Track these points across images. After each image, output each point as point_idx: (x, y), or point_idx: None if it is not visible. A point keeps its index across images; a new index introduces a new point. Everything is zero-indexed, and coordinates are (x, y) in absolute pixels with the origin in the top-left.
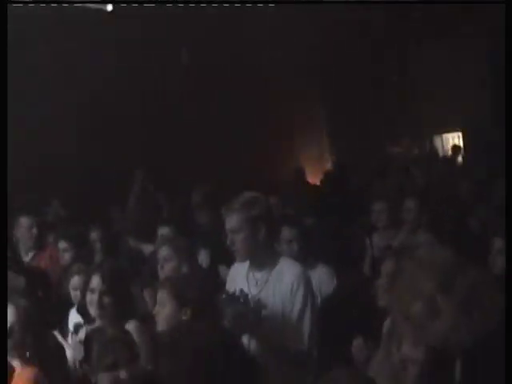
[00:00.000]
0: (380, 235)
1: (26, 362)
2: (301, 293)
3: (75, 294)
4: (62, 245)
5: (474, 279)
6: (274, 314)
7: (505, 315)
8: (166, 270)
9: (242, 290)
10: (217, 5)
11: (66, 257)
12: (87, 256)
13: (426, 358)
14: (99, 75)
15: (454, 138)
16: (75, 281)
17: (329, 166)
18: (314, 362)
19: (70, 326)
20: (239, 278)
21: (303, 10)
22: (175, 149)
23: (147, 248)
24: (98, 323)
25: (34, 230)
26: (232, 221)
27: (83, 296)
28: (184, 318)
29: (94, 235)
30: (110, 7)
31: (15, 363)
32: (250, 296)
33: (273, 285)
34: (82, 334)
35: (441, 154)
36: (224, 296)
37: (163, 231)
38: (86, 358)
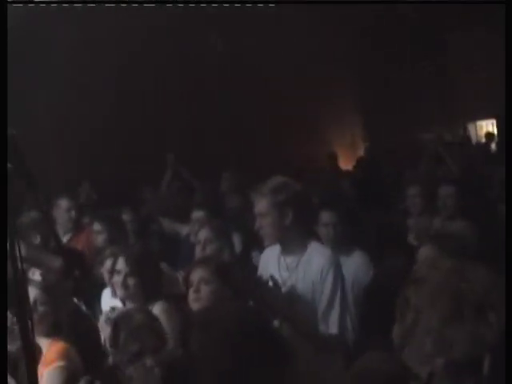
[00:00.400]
0: (415, 221)
1: (56, 339)
2: (331, 277)
3: (107, 276)
4: (97, 227)
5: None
6: (305, 299)
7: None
8: (207, 251)
9: (273, 275)
10: (217, 5)
11: (100, 239)
12: (120, 238)
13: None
14: (129, 60)
15: (488, 125)
16: (107, 262)
17: (361, 152)
18: (345, 347)
19: (103, 307)
20: (271, 262)
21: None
22: (206, 133)
23: (182, 229)
24: (127, 305)
25: (73, 213)
26: (260, 205)
27: (111, 277)
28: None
29: (127, 217)
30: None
31: (45, 341)
32: (281, 281)
33: (303, 269)
34: (112, 316)
35: (474, 140)
36: (256, 280)
37: (197, 214)
38: (114, 343)
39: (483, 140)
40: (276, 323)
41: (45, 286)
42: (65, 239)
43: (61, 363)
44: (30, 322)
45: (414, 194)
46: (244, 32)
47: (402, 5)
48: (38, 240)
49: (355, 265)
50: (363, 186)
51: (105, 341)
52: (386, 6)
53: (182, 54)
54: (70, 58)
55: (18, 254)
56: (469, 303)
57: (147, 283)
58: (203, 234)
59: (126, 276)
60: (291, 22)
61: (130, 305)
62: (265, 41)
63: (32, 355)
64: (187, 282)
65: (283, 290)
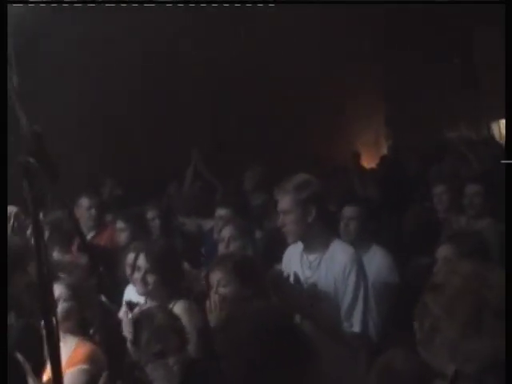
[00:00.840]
0: (441, 219)
1: (84, 338)
2: (353, 275)
3: (129, 271)
4: (120, 225)
5: None
6: (327, 297)
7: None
8: (231, 248)
9: (295, 273)
10: (217, 5)
11: (123, 237)
12: (144, 235)
13: None
14: (143, 59)
15: None
16: (129, 259)
17: (384, 150)
18: (368, 345)
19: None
20: (293, 260)
21: None
22: (230, 130)
23: (206, 225)
24: (148, 303)
25: (93, 211)
26: (283, 202)
27: (132, 273)
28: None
29: (150, 214)
30: None
31: (72, 340)
32: (303, 278)
33: (326, 267)
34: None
35: (498, 139)
36: (279, 277)
37: (221, 212)
38: (135, 342)
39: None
40: (298, 320)
41: (70, 283)
42: (88, 237)
43: (85, 366)
44: (54, 319)
45: (441, 192)
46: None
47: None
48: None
49: (377, 263)
50: (387, 184)
51: (126, 337)
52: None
53: (202, 52)
54: (73, 57)
55: (42, 252)
56: (489, 309)
57: (168, 281)
58: (227, 231)
59: (145, 272)
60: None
61: (150, 302)
62: (283, 39)
63: (56, 354)
64: (207, 283)
65: (306, 287)
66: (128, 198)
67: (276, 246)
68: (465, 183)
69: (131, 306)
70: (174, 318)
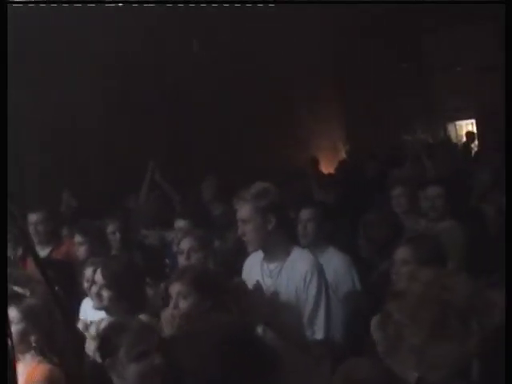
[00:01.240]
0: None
1: (43, 358)
2: (315, 283)
3: (86, 286)
4: (78, 238)
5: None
6: (289, 305)
7: (505, 315)
8: (192, 260)
9: (257, 282)
10: (217, 5)
11: (82, 250)
12: (103, 249)
13: None
14: (112, 68)
15: (468, 125)
16: (87, 273)
17: (343, 154)
18: (331, 352)
19: (83, 317)
20: (254, 269)
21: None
22: (188, 141)
23: (168, 237)
24: (107, 319)
25: (45, 226)
26: (242, 211)
27: (89, 288)
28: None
29: (111, 227)
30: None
31: (32, 360)
32: (264, 287)
33: (286, 275)
34: (97, 327)
35: (455, 141)
36: (241, 288)
37: (180, 224)
38: (109, 351)
39: (464, 140)
40: (260, 330)
41: (24, 304)
42: (45, 252)
43: None
44: (9, 341)
45: (399, 195)
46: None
47: (379, 5)
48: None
49: (334, 265)
50: (345, 188)
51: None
52: (362, 7)
53: (164, 58)
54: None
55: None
56: (452, 313)
57: (125, 296)
58: (186, 243)
59: (101, 287)
60: (276, 23)
61: (109, 317)
62: (242, 47)
63: (13, 375)
64: (167, 296)
65: (267, 296)
66: (85, 211)
67: (237, 256)
68: (424, 185)
69: (86, 325)
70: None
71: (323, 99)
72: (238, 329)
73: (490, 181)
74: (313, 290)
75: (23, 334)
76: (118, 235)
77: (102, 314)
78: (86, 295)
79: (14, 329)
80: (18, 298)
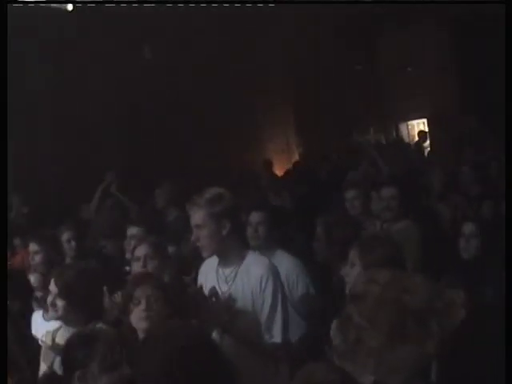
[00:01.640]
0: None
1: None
2: (270, 287)
3: (39, 295)
4: (33, 247)
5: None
6: (246, 309)
7: (505, 314)
8: (149, 268)
9: (213, 287)
10: (217, 5)
11: (37, 259)
12: (57, 258)
13: None
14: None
15: (420, 125)
16: (41, 283)
17: (296, 157)
18: (290, 356)
19: (35, 330)
20: (209, 274)
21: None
22: (141, 147)
23: (122, 247)
24: (64, 329)
25: None
26: (196, 217)
27: (43, 298)
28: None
29: (66, 235)
30: (70, 7)
31: None
32: (220, 292)
33: (242, 280)
34: (52, 337)
35: (407, 140)
36: (197, 294)
37: (133, 231)
38: (78, 363)
39: (416, 139)
40: (217, 336)
41: None
42: None
43: None
44: None
45: (353, 197)
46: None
47: (334, 5)
48: None
49: (284, 269)
50: (299, 190)
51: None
52: (319, 7)
53: (115, 65)
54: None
55: None
56: (411, 314)
57: (80, 305)
58: (142, 250)
59: (55, 297)
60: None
61: (65, 327)
62: (198, 49)
63: None
64: (130, 301)
65: (223, 301)
66: (38, 220)
67: (192, 262)
68: (377, 187)
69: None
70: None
71: (275, 101)
72: (195, 335)
73: (443, 180)
74: (269, 294)
75: None
76: (73, 243)
77: (56, 324)
78: (40, 305)
79: None
80: None
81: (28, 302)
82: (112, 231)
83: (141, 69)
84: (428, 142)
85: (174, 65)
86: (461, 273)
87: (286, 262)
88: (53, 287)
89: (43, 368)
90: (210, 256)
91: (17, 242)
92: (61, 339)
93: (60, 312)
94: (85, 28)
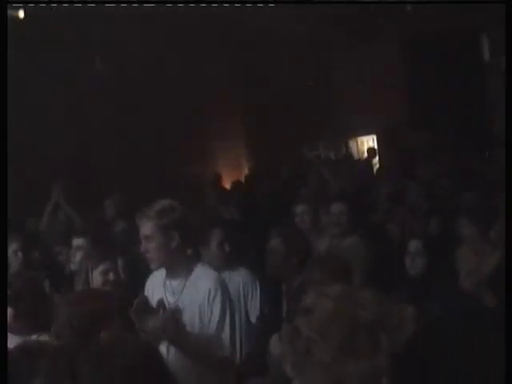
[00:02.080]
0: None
1: None
2: (218, 300)
3: None
4: None
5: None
6: (193, 322)
7: (505, 314)
8: (95, 280)
9: (159, 299)
10: (217, 5)
11: None
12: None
13: None
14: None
15: (369, 141)
16: None
17: (246, 171)
18: (237, 369)
19: None
20: (157, 286)
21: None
22: (90, 158)
23: (64, 258)
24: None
25: None
26: (145, 228)
27: None
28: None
29: (13, 246)
30: (21, 14)
31: None
32: (167, 305)
33: (189, 293)
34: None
35: (356, 157)
36: (142, 305)
37: (79, 242)
38: (20, 378)
39: (365, 156)
40: (164, 349)
41: None
42: None
43: None
44: None
45: (302, 212)
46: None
47: (285, 20)
48: None
49: (236, 283)
50: (249, 205)
51: None
52: (269, 23)
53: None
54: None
55: None
56: (361, 328)
57: (27, 315)
58: (88, 261)
59: None
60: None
61: (11, 336)
62: (149, 58)
63: None
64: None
65: (170, 314)
66: None
67: (140, 273)
68: (327, 202)
69: None
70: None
71: (225, 114)
72: (141, 348)
73: (390, 196)
74: (217, 307)
75: None
76: (20, 255)
77: None
78: None
79: None
80: None
81: None
82: (60, 242)
83: (89, 80)
84: (377, 158)
85: (122, 75)
86: (408, 289)
87: (239, 275)
88: None
89: None
90: (158, 268)
91: None
92: None
93: (8, 320)
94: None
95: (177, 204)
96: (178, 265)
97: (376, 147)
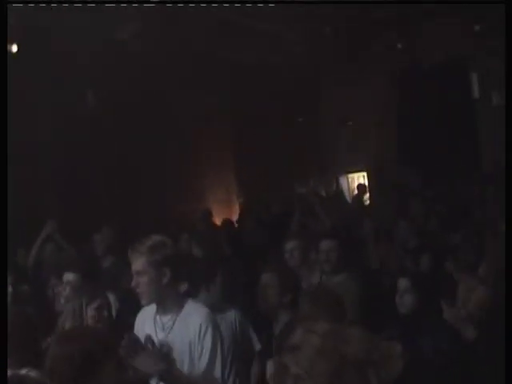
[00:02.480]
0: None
1: None
2: (209, 336)
3: None
4: None
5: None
6: (183, 358)
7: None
8: (85, 315)
9: (149, 336)
10: (217, 5)
11: None
12: None
13: None
14: None
15: (360, 178)
16: None
17: (236, 207)
18: None
19: None
20: (147, 322)
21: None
22: (81, 193)
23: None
24: None
25: None
26: (137, 264)
27: None
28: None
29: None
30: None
31: None
32: (157, 341)
33: (179, 329)
34: None
35: (346, 193)
36: (131, 342)
37: (69, 277)
38: None
39: (355, 192)
40: None
41: None
42: None
43: None
44: None
45: (292, 248)
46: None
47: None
48: None
49: (230, 320)
50: (239, 241)
51: None
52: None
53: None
54: None
55: None
56: (349, 365)
57: (14, 350)
58: (80, 296)
59: None
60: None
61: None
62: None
63: None
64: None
65: (160, 350)
66: None
67: (130, 309)
68: (317, 239)
69: None
70: None
71: (215, 151)
72: None
73: (381, 233)
74: (208, 343)
75: None
76: (10, 288)
77: None
78: None
79: None
80: None
81: None
82: (50, 276)
83: (80, 119)
84: (367, 194)
85: (113, 112)
86: (398, 326)
87: (231, 312)
88: None
89: None
90: (148, 303)
91: None
92: None
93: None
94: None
95: (168, 240)
96: (169, 301)
97: (367, 184)
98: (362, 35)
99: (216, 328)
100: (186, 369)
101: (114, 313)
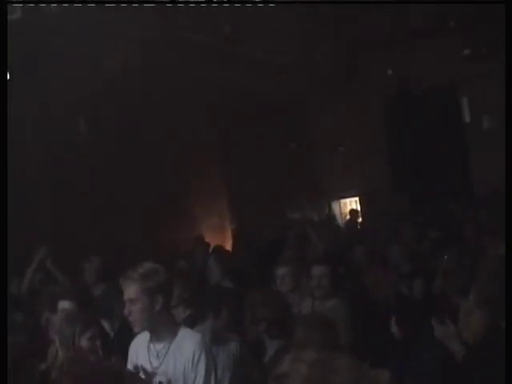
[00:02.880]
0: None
1: None
2: (203, 363)
3: None
4: None
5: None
6: None
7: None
8: (80, 344)
9: (142, 365)
10: (217, 5)
11: None
12: None
13: None
14: None
15: (352, 203)
16: None
17: (229, 233)
18: None
19: None
20: (141, 349)
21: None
22: (75, 220)
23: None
24: None
25: None
26: (130, 291)
27: None
28: None
29: None
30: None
31: None
32: (151, 368)
33: (173, 356)
34: None
35: (339, 218)
36: (125, 370)
37: (64, 305)
38: None
39: (348, 218)
40: None
41: None
42: None
43: None
44: None
45: (284, 274)
46: None
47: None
48: None
49: (227, 353)
50: (232, 268)
51: None
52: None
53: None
54: None
55: None
56: None
57: (10, 378)
58: (73, 325)
59: None
60: None
61: None
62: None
63: None
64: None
65: (154, 378)
66: None
67: (124, 336)
68: (309, 265)
69: None
70: None
71: (208, 177)
72: None
73: (373, 258)
74: (202, 369)
75: None
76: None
77: None
78: None
79: None
80: None
81: None
82: (42, 305)
83: (73, 146)
84: (360, 219)
85: (103, 144)
86: (392, 351)
87: (228, 340)
88: None
89: None
90: (141, 331)
91: None
92: None
93: None
94: None
95: (161, 267)
96: (162, 328)
97: (359, 209)
98: (353, 61)
99: (209, 354)
100: None
101: (108, 343)
